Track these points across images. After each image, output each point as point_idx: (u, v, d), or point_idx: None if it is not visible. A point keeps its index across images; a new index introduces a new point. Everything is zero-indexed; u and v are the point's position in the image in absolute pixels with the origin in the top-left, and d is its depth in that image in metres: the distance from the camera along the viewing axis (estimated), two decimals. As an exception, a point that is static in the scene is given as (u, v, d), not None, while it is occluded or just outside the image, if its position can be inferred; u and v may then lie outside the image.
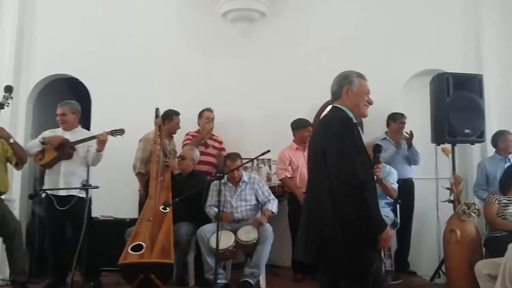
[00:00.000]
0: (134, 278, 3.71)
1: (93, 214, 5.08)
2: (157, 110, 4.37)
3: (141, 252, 3.77)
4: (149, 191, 4.20)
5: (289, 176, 4.82)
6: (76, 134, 4.35)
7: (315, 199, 2.40)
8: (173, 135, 5.16)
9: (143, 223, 4.01)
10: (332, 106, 2.53)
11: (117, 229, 4.73)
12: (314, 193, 2.43)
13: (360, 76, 2.53)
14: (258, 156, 3.89)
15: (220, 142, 5.37)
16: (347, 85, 2.48)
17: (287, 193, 5.26)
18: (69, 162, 4.26)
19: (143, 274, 3.69)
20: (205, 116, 5.17)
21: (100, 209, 5.15)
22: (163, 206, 4.06)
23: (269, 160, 5.66)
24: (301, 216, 2.48)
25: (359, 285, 2.25)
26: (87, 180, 3.77)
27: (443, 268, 4.56)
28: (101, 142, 4.16)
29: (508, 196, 4.37)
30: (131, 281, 3.76)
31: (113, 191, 5.33)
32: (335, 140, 2.31)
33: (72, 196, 4.03)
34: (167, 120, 5.02)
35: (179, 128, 5.10)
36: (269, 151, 3.80)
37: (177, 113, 5.06)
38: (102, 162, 4.77)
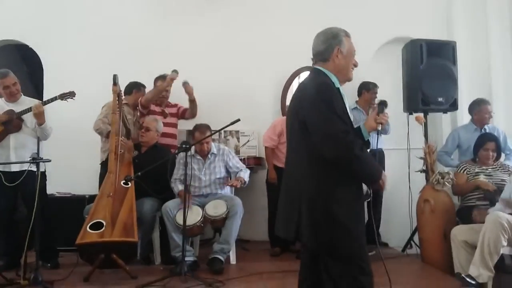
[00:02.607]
0: (94, 258, 3.46)
1: (50, 191, 4.76)
2: (115, 77, 4.01)
3: (101, 230, 3.50)
4: (108, 165, 3.88)
5: (271, 147, 4.64)
6: (20, 104, 3.97)
7: (293, 173, 2.18)
8: (138, 108, 4.81)
9: (102, 200, 3.72)
10: (313, 69, 2.24)
11: (75, 206, 4.43)
12: (292, 167, 2.21)
13: (347, 34, 2.24)
14: (227, 126, 3.65)
15: (175, 105, 4.93)
16: (338, 46, 2.18)
17: (256, 166, 5.10)
18: (19, 135, 3.90)
19: (104, 254, 3.44)
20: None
21: (57, 186, 4.82)
22: (124, 181, 3.77)
23: (237, 132, 5.43)
24: (281, 190, 2.26)
25: (343, 268, 2.06)
26: (38, 153, 3.41)
27: (414, 238, 4.52)
28: (37, 115, 3.81)
29: (479, 165, 4.29)
30: (90, 261, 3.50)
31: (72, 166, 5.01)
32: (313, 109, 2.06)
33: (24, 171, 3.69)
34: (135, 89, 4.71)
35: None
36: (239, 120, 3.56)
37: (143, 86, 4.74)
38: (59, 135, 4.43)
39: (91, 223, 3.56)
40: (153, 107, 4.75)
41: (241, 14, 5.49)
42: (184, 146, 3.48)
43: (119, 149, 4.04)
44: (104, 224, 3.53)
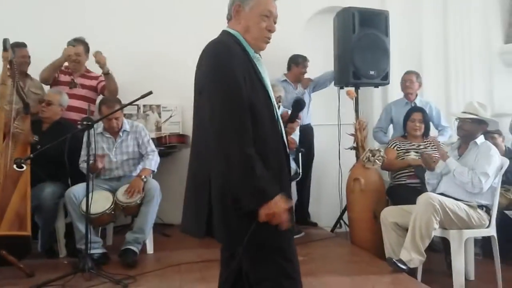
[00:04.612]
0: (-21, 256, 2.94)
1: None
2: (5, 41, 3.40)
3: (-15, 223, 2.98)
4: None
5: None
6: None
7: (200, 154, 1.79)
8: (27, 73, 4.14)
9: (-11, 187, 3.18)
10: (222, 31, 1.87)
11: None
12: (198, 146, 1.81)
13: None
14: (137, 99, 3.17)
15: (96, 78, 4.30)
16: (239, 3, 1.81)
17: (180, 144, 4.66)
18: None
19: (-10, 251, 2.93)
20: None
21: None
22: (16, 164, 3.21)
23: (158, 106, 4.95)
24: (187, 176, 1.87)
25: (261, 269, 1.71)
26: None
27: (344, 218, 4.35)
28: None
29: (409, 141, 4.15)
30: (-26, 259, 2.98)
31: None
32: (208, 78, 1.69)
33: None
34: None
35: (27, 62, 4.08)
36: (150, 92, 3.11)
37: (21, 45, 4.02)
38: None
39: (-26, 214, 3.02)
40: (61, 76, 4.17)
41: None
42: (85, 122, 2.99)
43: (14, 128, 3.48)
44: (-10, 216, 3.01)
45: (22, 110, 3.68)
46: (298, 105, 2.35)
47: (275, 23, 1.85)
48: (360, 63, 4.32)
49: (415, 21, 5.31)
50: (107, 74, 4.16)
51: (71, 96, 4.04)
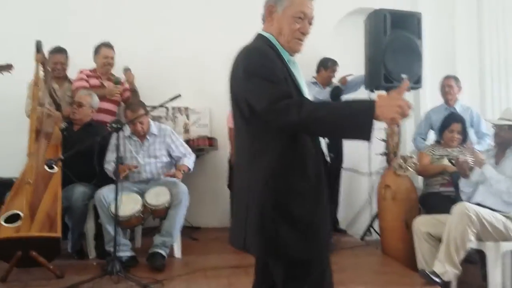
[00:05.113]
0: (11, 256, 2.98)
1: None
2: (38, 43, 3.46)
3: (17, 224, 3.01)
4: (28, 146, 3.36)
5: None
6: None
7: (239, 164, 1.78)
8: (66, 76, 4.21)
9: (21, 187, 3.22)
10: (257, 34, 1.83)
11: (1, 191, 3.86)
12: (238, 156, 1.80)
13: None
14: (165, 103, 3.18)
15: (122, 84, 4.31)
16: (272, 4, 1.76)
17: (207, 147, 4.64)
18: None
19: (21, 251, 2.97)
20: (103, 54, 4.16)
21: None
22: (47, 165, 3.25)
23: (186, 108, 4.94)
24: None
25: (289, 282, 1.66)
26: None
27: (375, 226, 4.25)
28: None
29: (443, 147, 4.03)
30: (6, 259, 3.02)
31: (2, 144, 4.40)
32: (243, 82, 1.66)
33: None
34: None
35: (58, 69, 4.10)
36: (179, 95, 3.10)
37: (56, 50, 4.06)
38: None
39: (6, 215, 3.06)
40: (90, 80, 4.19)
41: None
42: (114, 125, 3.00)
43: (45, 126, 3.54)
44: (21, 216, 3.04)
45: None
46: (337, 91, 2.26)
47: (310, 24, 1.79)
48: (392, 66, 4.19)
49: (449, 23, 5.18)
50: (134, 91, 4.25)
51: (101, 98, 4.06)
